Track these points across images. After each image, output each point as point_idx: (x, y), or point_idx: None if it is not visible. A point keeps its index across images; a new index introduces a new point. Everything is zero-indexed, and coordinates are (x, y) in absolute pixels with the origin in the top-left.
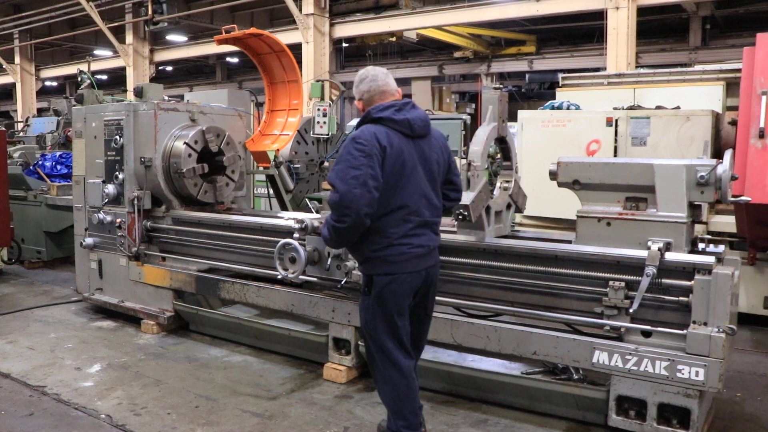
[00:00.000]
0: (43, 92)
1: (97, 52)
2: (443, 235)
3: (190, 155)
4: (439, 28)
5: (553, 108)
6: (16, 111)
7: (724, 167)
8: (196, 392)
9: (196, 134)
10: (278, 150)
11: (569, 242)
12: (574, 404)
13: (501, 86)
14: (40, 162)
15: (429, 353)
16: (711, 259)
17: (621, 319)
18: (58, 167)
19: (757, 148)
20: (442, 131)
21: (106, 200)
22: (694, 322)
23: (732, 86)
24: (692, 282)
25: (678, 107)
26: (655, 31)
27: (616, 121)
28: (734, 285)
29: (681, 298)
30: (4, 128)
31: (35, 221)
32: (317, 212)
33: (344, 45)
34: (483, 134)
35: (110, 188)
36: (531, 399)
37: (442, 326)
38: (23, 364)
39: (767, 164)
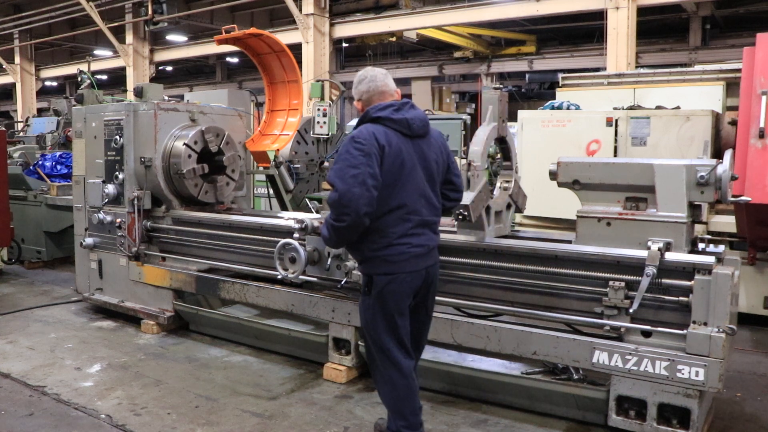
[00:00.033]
0: (43, 92)
1: (97, 52)
2: (443, 235)
3: (189, 156)
4: (439, 28)
5: (553, 108)
6: (16, 111)
7: (724, 167)
8: (196, 392)
9: (196, 134)
10: (278, 150)
11: (569, 242)
12: (574, 404)
13: (501, 86)
14: (40, 162)
15: (429, 353)
16: (711, 259)
17: (621, 319)
18: (58, 167)
19: (757, 148)
20: (442, 131)
21: (106, 200)
22: (694, 322)
23: (732, 86)
24: (692, 282)
25: (678, 107)
26: (655, 31)
27: (616, 121)
28: (734, 285)
29: (681, 298)
30: (4, 128)
31: (35, 221)
32: (317, 212)
33: (344, 45)
34: (483, 134)
35: (110, 188)
36: (531, 399)
37: (442, 326)
38: (23, 364)
39: (767, 164)
